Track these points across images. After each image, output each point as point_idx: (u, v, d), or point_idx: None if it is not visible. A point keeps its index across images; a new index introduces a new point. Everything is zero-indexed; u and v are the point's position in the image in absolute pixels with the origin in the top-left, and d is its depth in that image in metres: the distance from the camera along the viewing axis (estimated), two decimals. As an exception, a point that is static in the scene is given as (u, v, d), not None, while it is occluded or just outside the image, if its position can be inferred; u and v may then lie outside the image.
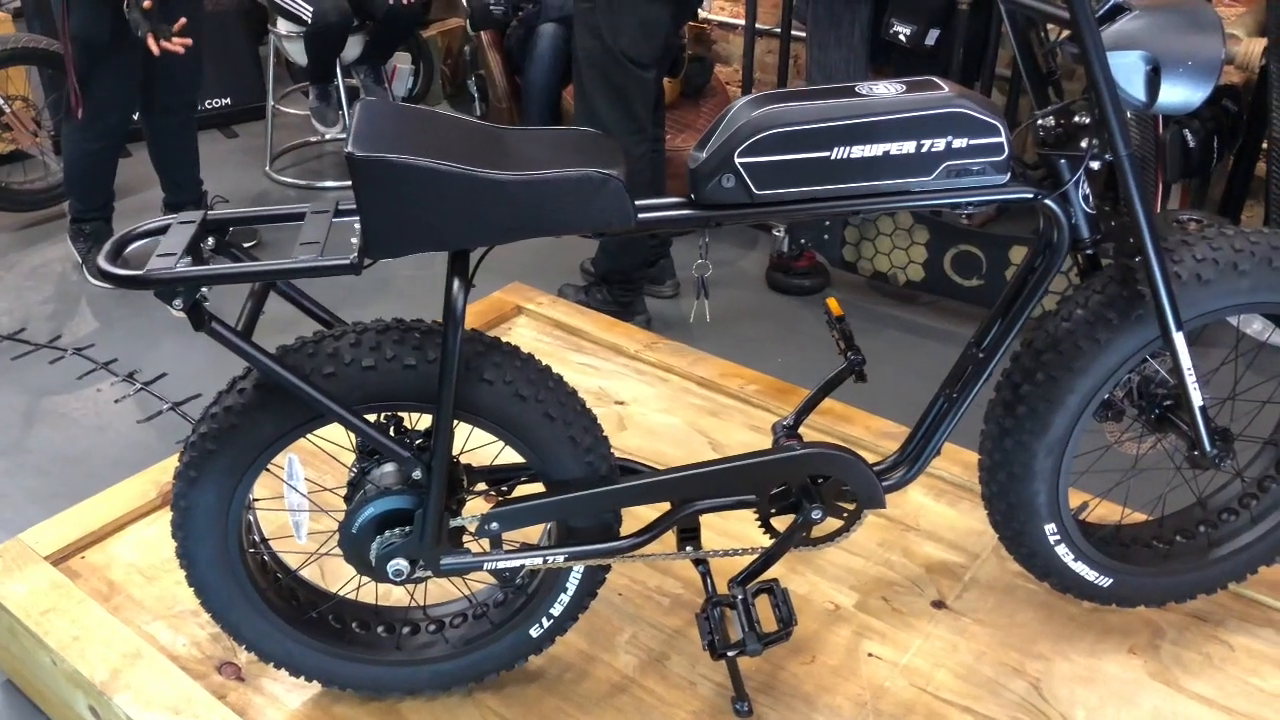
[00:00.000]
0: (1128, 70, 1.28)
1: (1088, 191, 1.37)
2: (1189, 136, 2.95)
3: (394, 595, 1.74)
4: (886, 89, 1.28)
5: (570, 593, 1.54)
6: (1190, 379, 1.44)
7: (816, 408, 1.65)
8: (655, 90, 2.85)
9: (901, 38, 3.34)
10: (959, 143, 1.27)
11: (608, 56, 2.67)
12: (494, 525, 1.42)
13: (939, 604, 1.83)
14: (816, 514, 1.48)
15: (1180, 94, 1.28)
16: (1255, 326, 1.55)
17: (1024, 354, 1.50)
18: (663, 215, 1.31)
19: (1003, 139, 1.28)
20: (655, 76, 2.80)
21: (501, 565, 1.45)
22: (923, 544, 1.97)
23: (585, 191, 1.22)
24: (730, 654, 1.46)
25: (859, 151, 1.27)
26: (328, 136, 4.28)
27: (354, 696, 1.63)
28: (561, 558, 1.46)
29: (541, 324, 2.72)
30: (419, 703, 1.63)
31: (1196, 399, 1.45)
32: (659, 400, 2.42)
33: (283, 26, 4.02)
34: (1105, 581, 1.64)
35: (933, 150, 1.27)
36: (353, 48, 4.10)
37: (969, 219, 3.48)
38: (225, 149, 4.55)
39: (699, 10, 4.58)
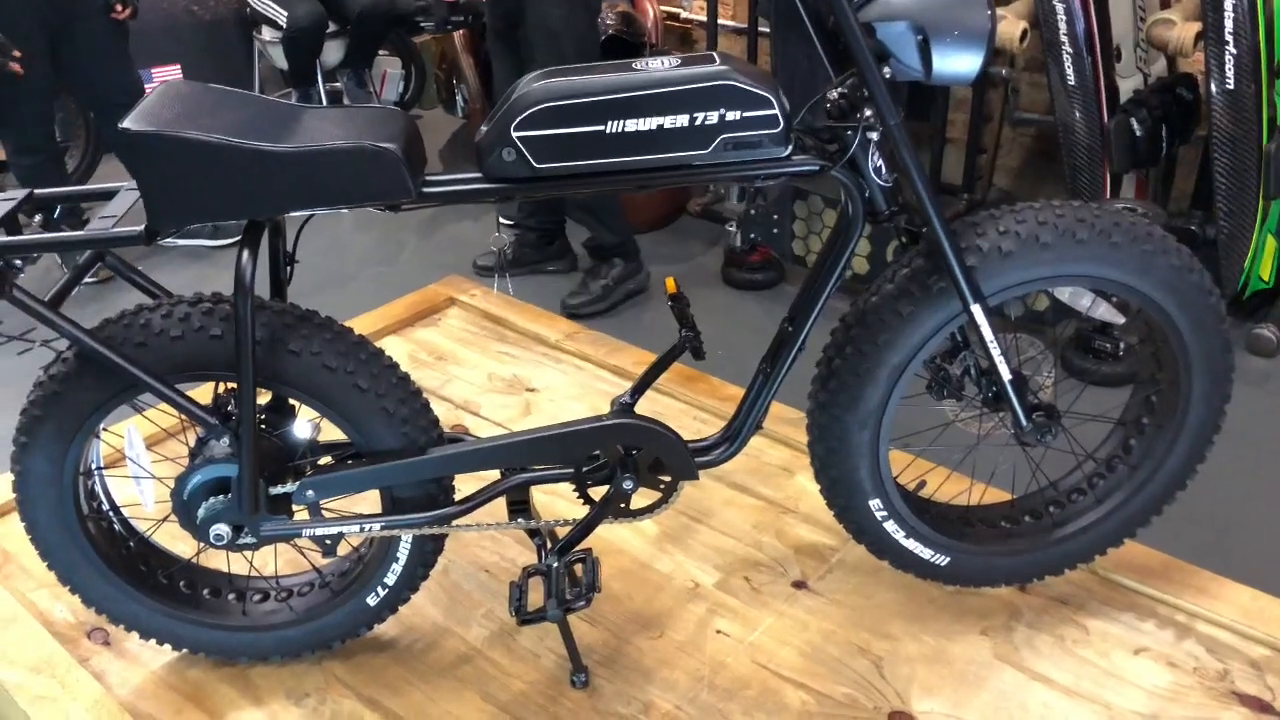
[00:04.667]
0: (898, 40, 1.28)
1: (880, 164, 1.38)
2: (1136, 125, 2.90)
3: (272, 565, 1.80)
4: (661, 64, 1.31)
5: (402, 562, 1.58)
6: (996, 353, 1.43)
7: (654, 383, 1.67)
8: None
9: (854, 32, 3.33)
10: (732, 115, 1.29)
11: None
12: (310, 493, 1.47)
13: (800, 584, 1.84)
14: (628, 484, 1.50)
15: (954, 63, 1.29)
16: (1084, 302, 1.53)
17: (839, 328, 1.51)
18: (449, 189, 1.35)
19: (775, 111, 1.29)
20: None
21: (320, 532, 1.50)
22: (797, 526, 1.97)
23: (357, 163, 1.27)
24: (531, 619, 1.49)
25: (633, 125, 1.29)
26: (310, 139, 4.39)
27: (208, 662, 1.69)
28: (378, 526, 1.50)
29: (471, 314, 2.77)
30: (269, 669, 1.68)
31: (1004, 373, 1.45)
32: (570, 388, 2.45)
33: (266, 33, 4.15)
34: (942, 560, 1.64)
35: (706, 124, 1.29)
36: (335, 52, 4.21)
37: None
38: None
39: (681, 9, 4.63)
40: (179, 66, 4.73)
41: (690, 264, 3.61)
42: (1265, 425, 2.54)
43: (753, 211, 3.30)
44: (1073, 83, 2.87)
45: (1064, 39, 2.81)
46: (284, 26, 3.84)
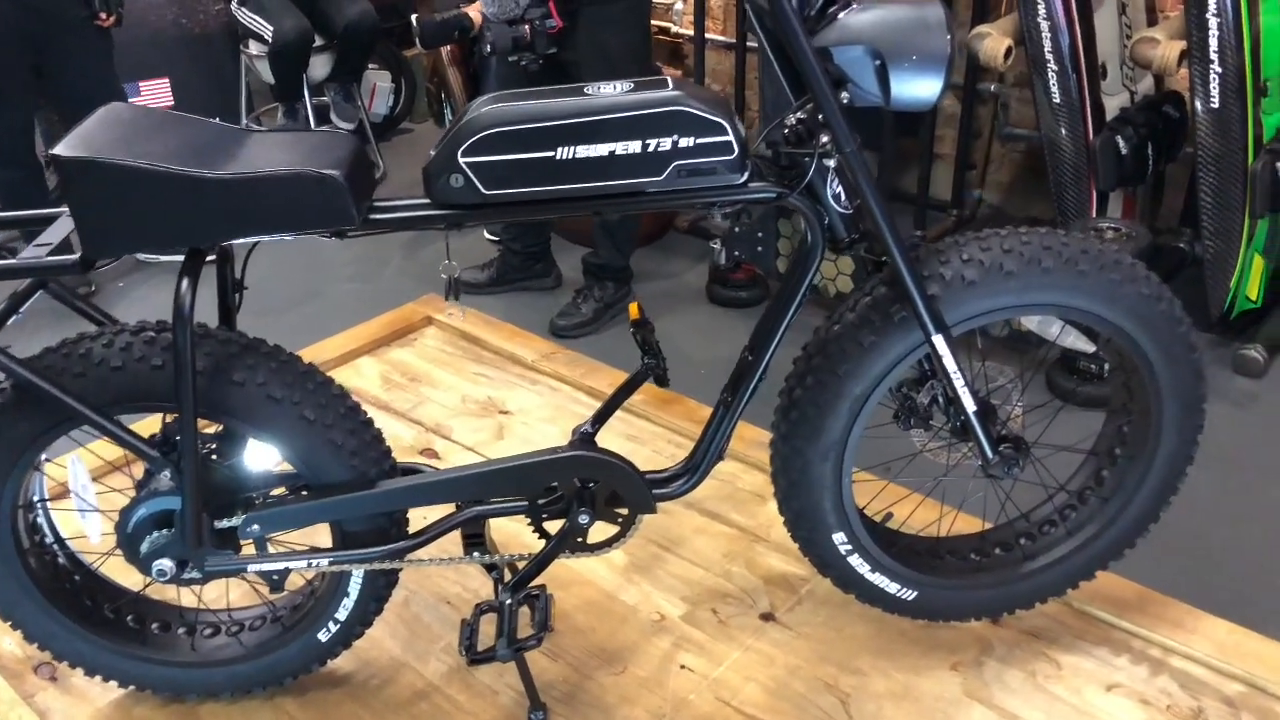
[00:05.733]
0: (856, 65, 1.25)
1: (839, 190, 1.34)
2: (1121, 143, 2.86)
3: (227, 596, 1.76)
4: (613, 88, 1.27)
5: (354, 597, 1.54)
6: (959, 384, 1.39)
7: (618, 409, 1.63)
8: None
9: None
10: (685, 142, 1.25)
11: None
12: (255, 527, 1.43)
13: (768, 616, 1.79)
14: (584, 519, 1.46)
15: (912, 88, 1.25)
16: (1052, 330, 1.50)
17: (800, 357, 1.47)
18: (396, 215, 1.31)
19: (730, 137, 1.25)
20: None
21: (266, 568, 1.46)
22: (768, 555, 1.93)
23: (299, 190, 1.23)
24: (481, 660, 1.44)
25: (584, 151, 1.26)
26: (296, 154, 4.36)
27: (156, 698, 1.64)
28: (326, 561, 1.46)
29: (448, 334, 2.73)
30: (218, 706, 1.64)
31: (969, 404, 1.41)
32: (544, 410, 2.41)
33: (253, 47, 4.12)
34: (909, 594, 1.59)
35: (660, 150, 1.26)
36: (322, 66, 4.19)
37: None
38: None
39: (671, 24, 4.60)
40: (168, 80, 4.69)
41: (676, 280, 3.58)
42: (1249, 448, 2.50)
43: (737, 229, 3.26)
44: (1058, 100, 2.84)
45: (1049, 56, 2.78)
46: (269, 41, 3.82)
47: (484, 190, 1.27)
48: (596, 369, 2.53)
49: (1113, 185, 2.94)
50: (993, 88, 3.55)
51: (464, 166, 1.26)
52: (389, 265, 3.71)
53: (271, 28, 3.84)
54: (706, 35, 4.16)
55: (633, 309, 1.61)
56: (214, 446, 1.50)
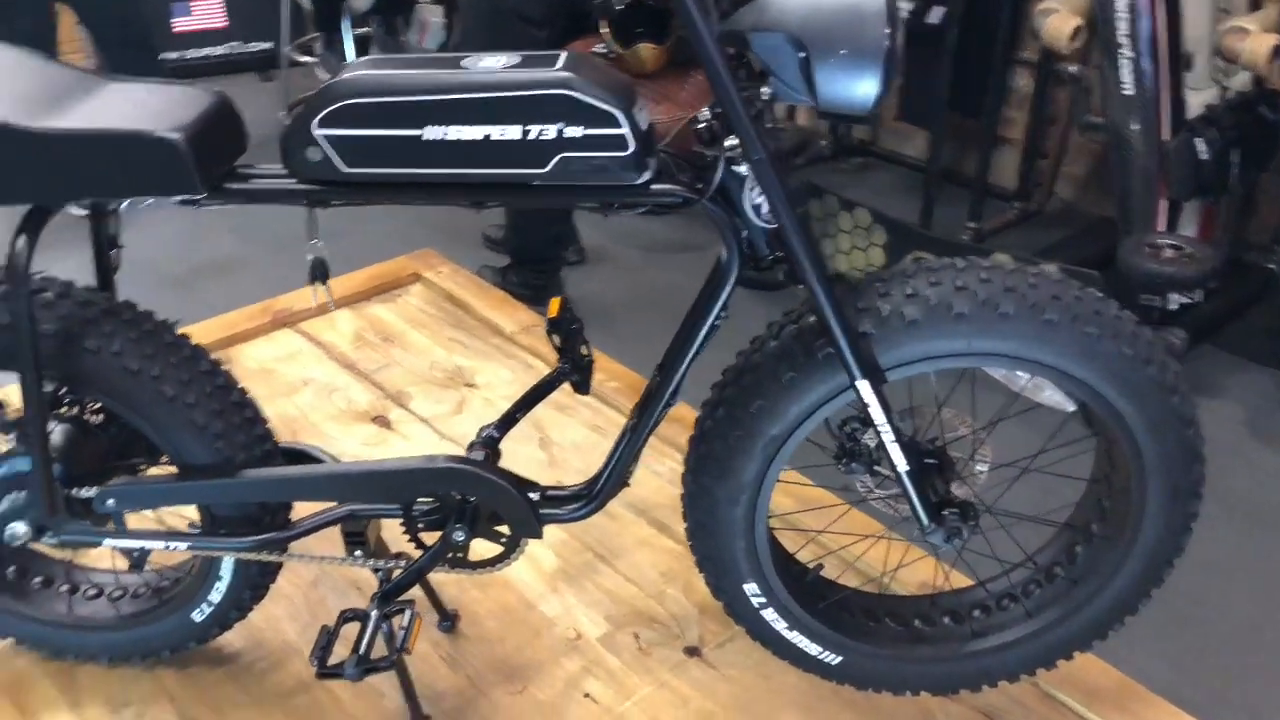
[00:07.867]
0: (775, 55, 1.04)
1: (760, 200, 1.14)
2: (1201, 146, 2.55)
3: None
4: (495, 63, 1.10)
5: (226, 581, 1.44)
6: (889, 438, 1.19)
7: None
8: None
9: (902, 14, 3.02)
10: (572, 132, 1.07)
11: (497, 15, 2.53)
12: (110, 502, 1.33)
13: (693, 650, 1.63)
14: (459, 535, 1.31)
15: (842, 88, 1.04)
16: (1020, 381, 1.28)
17: (717, 383, 1.29)
18: (254, 187, 1.17)
19: (624, 130, 1.07)
20: (548, 36, 2.64)
21: (123, 545, 1.36)
22: (709, 580, 1.76)
23: (135, 151, 1.10)
24: (329, 674, 1.32)
25: (456, 133, 1.09)
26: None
27: (37, 655, 1.58)
28: (184, 545, 1.35)
29: (433, 294, 2.60)
30: (97, 670, 1.57)
31: (900, 463, 1.21)
32: (512, 386, 2.27)
33: (294, -28, 4.01)
34: (833, 659, 1.41)
35: (542, 138, 1.08)
36: (364, -2, 4.05)
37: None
38: (254, 91, 4.62)
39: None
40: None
41: (703, 254, 3.38)
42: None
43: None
44: (1129, 91, 2.52)
45: (1123, 39, 2.47)
46: (307, -34, 3.71)
47: (344, 168, 1.12)
48: (579, 347, 2.37)
49: (1187, 195, 2.62)
50: (1073, 69, 3.22)
51: (319, 139, 1.10)
52: (406, 209, 3.59)
53: (311, -47, 3.71)
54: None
55: (553, 305, 1.45)
56: (97, 408, 1.40)
